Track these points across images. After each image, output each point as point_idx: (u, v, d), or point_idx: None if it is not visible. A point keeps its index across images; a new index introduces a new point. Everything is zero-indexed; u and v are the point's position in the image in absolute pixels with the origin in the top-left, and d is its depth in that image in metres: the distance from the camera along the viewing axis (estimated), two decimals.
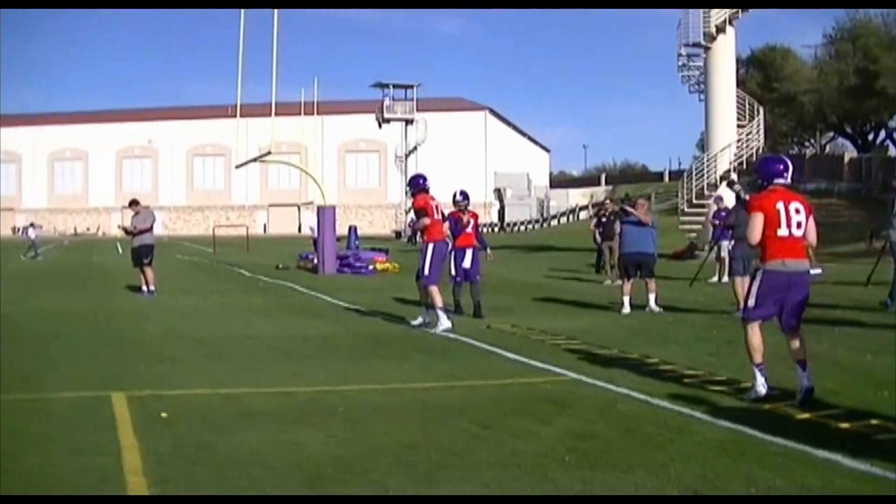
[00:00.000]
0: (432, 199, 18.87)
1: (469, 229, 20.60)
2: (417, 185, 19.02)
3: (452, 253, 20.35)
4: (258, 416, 10.21)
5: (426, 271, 18.40)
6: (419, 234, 19.58)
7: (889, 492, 7.24)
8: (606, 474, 7.82)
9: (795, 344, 11.26)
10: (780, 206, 11.09)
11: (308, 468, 8.02)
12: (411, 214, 24.65)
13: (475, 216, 21.17)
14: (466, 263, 20.53)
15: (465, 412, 10.44)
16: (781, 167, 11.42)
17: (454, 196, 20.90)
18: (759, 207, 11.22)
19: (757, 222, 11.12)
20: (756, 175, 11.91)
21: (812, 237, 11.33)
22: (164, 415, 10.12)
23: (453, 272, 20.56)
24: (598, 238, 33.47)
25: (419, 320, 18.83)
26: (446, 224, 19.59)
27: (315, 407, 10.74)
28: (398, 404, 10.96)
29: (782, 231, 11.05)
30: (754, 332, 11.48)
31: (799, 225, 11.10)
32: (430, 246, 18.55)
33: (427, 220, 18.53)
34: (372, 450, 8.70)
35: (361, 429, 9.61)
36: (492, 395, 11.61)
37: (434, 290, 18.19)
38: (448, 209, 20.12)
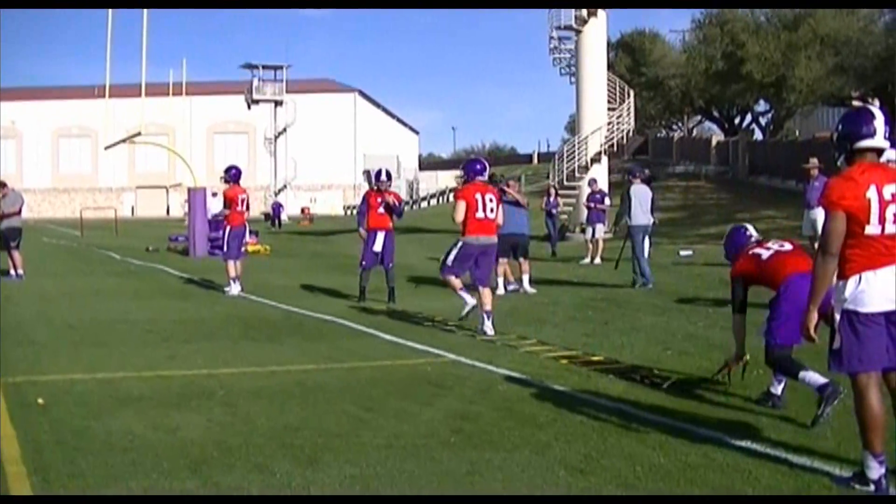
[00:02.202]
0: (243, 191, 22.59)
1: (381, 210, 19.84)
2: (233, 176, 22.54)
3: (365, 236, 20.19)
4: (136, 401, 10.05)
5: (224, 248, 22.15)
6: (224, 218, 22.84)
7: (769, 467, 7.37)
8: (492, 454, 7.84)
9: (487, 296, 15.30)
10: (478, 196, 15.43)
11: (192, 453, 7.92)
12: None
13: (393, 195, 20.21)
14: (377, 247, 19.73)
15: (345, 394, 10.42)
16: (480, 167, 16.00)
17: (377, 175, 20.38)
18: (462, 197, 15.66)
19: (461, 207, 15.44)
20: (463, 172, 16.34)
21: (500, 219, 15.79)
22: (40, 401, 9.91)
23: (361, 257, 20.24)
24: None
25: (234, 289, 21.71)
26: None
27: (193, 391, 10.61)
28: (277, 387, 10.87)
29: (479, 214, 15.36)
30: (454, 281, 15.60)
31: (491, 210, 15.47)
32: (227, 228, 22.14)
33: (227, 210, 22.22)
34: (254, 433, 8.63)
35: (242, 412, 9.53)
36: (372, 376, 11.58)
37: (230, 264, 21.77)
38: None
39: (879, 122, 6.98)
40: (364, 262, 19.98)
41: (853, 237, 6.80)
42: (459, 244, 15.56)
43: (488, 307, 15.16)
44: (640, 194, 22.98)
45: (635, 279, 22.04)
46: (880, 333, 6.82)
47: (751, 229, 10.28)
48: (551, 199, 37.71)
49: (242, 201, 22.33)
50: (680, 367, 11.69)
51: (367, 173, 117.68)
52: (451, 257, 15.56)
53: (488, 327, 14.93)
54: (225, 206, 22.42)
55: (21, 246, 25.71)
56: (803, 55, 58.42)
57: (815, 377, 8.69)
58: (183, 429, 8.79)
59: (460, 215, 15.41)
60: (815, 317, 6.96)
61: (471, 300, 15.30)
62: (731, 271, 9.96)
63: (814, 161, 23.72)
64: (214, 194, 42.12)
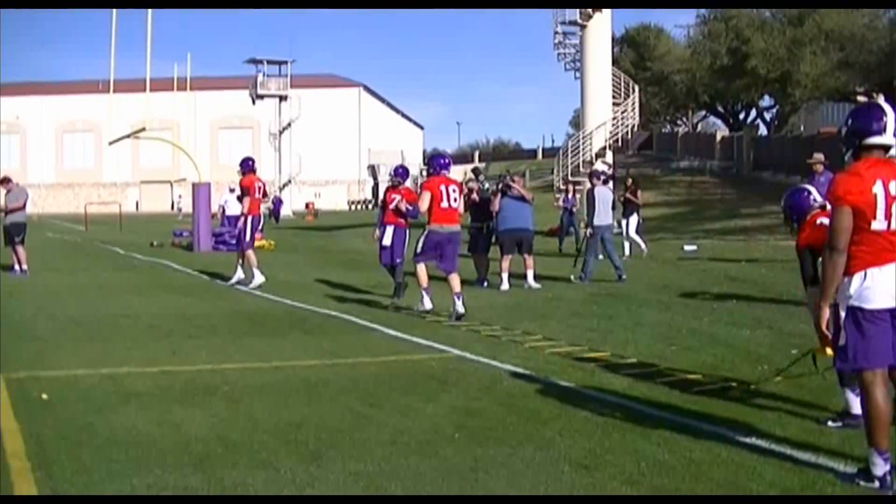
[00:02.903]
0: (258, 179, 22.83)
1: (391, 206, 19.85)
2: (247, 167, 22.67)
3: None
4: (140, 396, 10.04)
5: (245, 238, 22.22)
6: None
7: (773, 463, 7.35)
8: (496, 450, 7.84)
9: (455, 280, 16.70)
10: (443, 187, 16.87)
11: (195, 449, 7.91)
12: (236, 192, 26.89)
13: (403, 192, 19.83)
14: (386, 241, 19.51)
15: (349, 390, 10.40)
16: (444, 162, 17.75)
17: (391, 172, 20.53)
18: (427, 188, 17.01)
19: (426, 198, 16.82)
20: (429, 166, 17.84)
21: (461, 209, 17.57)
22: (44, 396, 9.92)
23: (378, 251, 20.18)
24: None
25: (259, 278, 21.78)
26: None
27: (197, 386, 10.61)
28: (281, 383, 10.87)
29: (444, 204, 16.78)
30: (421, 269, 16.86)
31: (454, 200, 16.93)
32: (248, 218, 22.29)
33: (248, 199, 22.35)
34: (258, 429, 8.62)
35: (246, 408, 9.52)
36: (375, 372, 11.57)
37: (249, 253, 22.04)
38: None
39: (890, 118, 6.95)
40: (381, 259, 19.87)
41: (859, 233, 6.78)
42: (426, 232, 17.01)
43: (457, 290, 16.65)
44: (603, 196, 23.59)
45: (583, 276, 22.56)
46: (885, 330, 6.80)
47: (814, 192, 9.49)
48: (569, 195, 36.42)
49: (259, 189, 22.83)
50: (684, 362, 11.68)
51: (371, 168, 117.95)
52: (420, 246, 16.98)
53: (459, 307, 16.38)
54: (243, 194, 22.59)
55: (25, 241, 25.71)
56: (808, 50, 58.26)
57: (853, 403, 8.40)
58: (186, 424, 8.78)
59: (425, 204, 16.96)
60: (826, 313, 6.93)
61: (428, 305, 16.79)
62: (797, 240, 9.24)
63: (818, 156, 23.60)
64: (232, 190, 42.23)
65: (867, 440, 6.90)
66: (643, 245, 30.16)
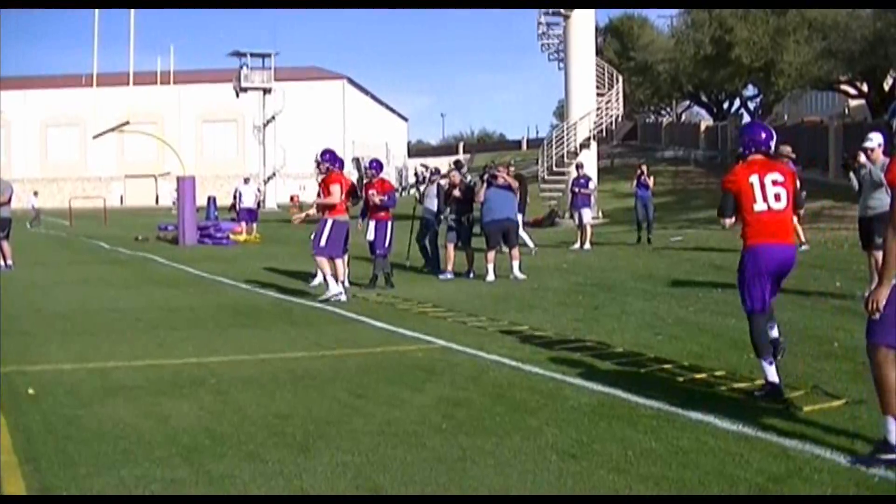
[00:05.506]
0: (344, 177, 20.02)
1: (376, 200, 20.17)
2: (328, 160, 19.80)
3: None
4: (127, 390, 10.04)
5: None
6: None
7: (760, 451, 7.37)
8: (483, 440, 7.85)
9: (340, 265, 17.87)
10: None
11: (183, 441, 7.92)
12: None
13: (376, 185, 20.52)
14: (369, 235, 20.26)
15: (336, 381, 10.42)
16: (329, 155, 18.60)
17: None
18: (338, 181, 18.06)
19: (336, 190, 17.85)
20: (325, 163, 18.46)
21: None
22: (30, 391, 9.91)
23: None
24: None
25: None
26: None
27: (184, 379, 10.61)
28: (268, 375, 10.87)
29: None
30: (325, 265, 17.49)
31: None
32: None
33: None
34: (245, 421, 8.64)
35: (233, 400, 9.53)
36: (362, 363, 11.57)
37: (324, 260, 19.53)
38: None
39: None
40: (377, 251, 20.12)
41: None
42: (330, 223, 17.82)
43: (341, 277, 17.96)
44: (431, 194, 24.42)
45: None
46: None
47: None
48: (643, 178, 32.45)
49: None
50: (670, 351, 11.71)
51: (356, 161, 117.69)
52: (323, 239, 17.68)
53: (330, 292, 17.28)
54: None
55: (10, 236, 25.65)
56: (792, 40, 58.23)
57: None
58: (174, 417, 8.79)
59: (337, 197, 17.97)
60: (885, 294, 6.87)
61: (337, 289, 17.40)
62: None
63: (786, 148, 23.57)
64: (247, 181, 42.41)
65: (881, 409, 6.91)
66: (529, 243, 28.84)
